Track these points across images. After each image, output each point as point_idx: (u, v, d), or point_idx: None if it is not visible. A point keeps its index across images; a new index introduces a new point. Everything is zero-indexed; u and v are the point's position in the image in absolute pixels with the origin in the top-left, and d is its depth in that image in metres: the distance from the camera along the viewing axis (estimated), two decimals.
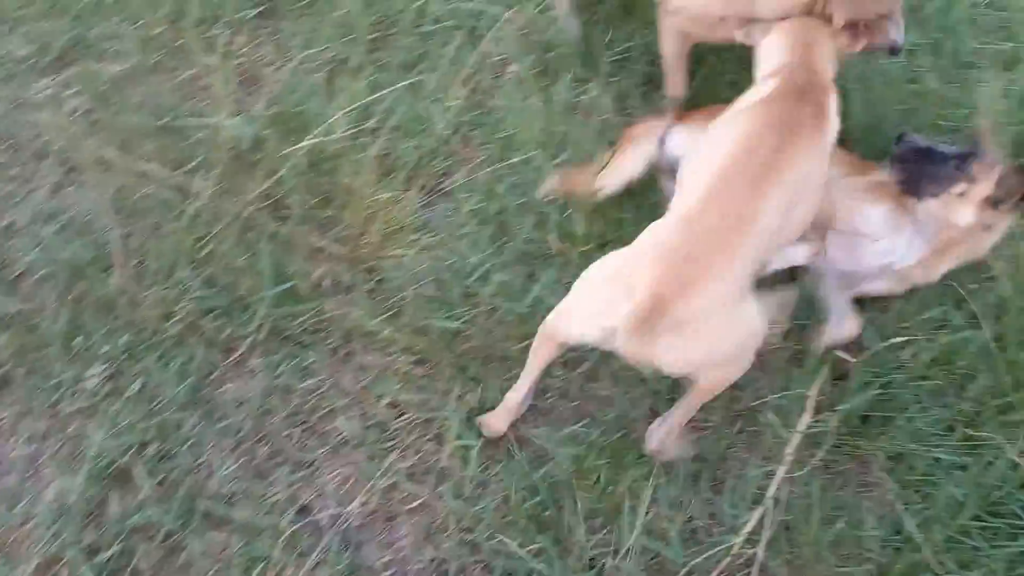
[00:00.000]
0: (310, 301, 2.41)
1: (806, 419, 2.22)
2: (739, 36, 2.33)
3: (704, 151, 2.08)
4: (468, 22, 3.01)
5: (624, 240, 2.46)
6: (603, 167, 2.46)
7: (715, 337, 1.87)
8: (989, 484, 2.12)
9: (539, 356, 2.12)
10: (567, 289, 2.43)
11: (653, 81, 2.85)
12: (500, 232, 2.56)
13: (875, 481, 2.23)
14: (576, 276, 2.43)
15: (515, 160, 2.66)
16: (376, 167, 2.63)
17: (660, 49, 2.66)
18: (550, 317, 2.04)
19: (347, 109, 2.69)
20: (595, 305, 1.90)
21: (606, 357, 2.30)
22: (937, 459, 2.20)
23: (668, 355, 1.84)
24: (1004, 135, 2.54)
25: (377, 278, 2.49)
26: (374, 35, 3.00)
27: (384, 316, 2.39)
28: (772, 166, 1.94)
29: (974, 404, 2.27)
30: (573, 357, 2.33)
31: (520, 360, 2.32)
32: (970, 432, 2.23)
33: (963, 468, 2.17)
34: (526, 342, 2.34)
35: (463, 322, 2.38)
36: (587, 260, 2.45)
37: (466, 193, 2.64)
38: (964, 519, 2.09)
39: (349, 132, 2.66)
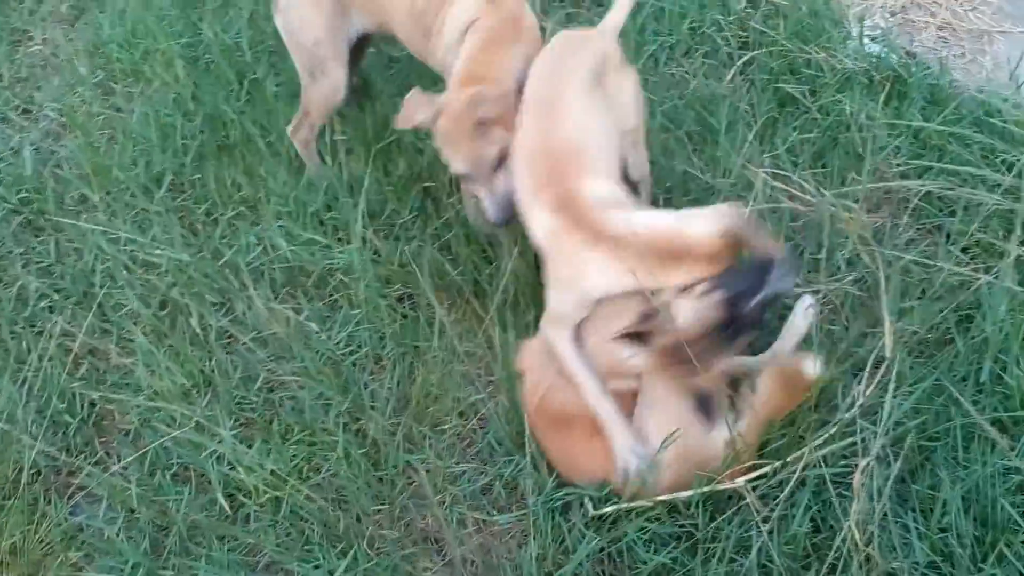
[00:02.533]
0: None
1: None
2: None
3: None
4: (78, 287, 2.72)
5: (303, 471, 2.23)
6: None
7: None
8: None
9: None
10: (243, 559, 2.17)
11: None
12: (161, 515, 2.24)
13: None
14: (259, 530, 2.19)
15: (160, 425, 2.36)
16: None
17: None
18: None
19: None
20: None
21: None
22: None
23: None
24: None
25: None
26: None
27: None
28: None
29: None
30: None
31: None
32: None
33: None
34: None
35: None
36: (270, 510, 2.23)
37: (113, 481, 2.30)
38: None
39: None
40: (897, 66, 3.23)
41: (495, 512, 2.24)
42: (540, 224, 2.14)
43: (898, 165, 2.95)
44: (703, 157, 2.98)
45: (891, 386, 2.17)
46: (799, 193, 2.90)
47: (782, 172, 2.97)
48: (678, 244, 2.02)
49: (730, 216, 2.05)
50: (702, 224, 2.04)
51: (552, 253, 2.14)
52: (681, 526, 2.18)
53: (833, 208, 2.79)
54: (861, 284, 2.67)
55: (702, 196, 2.87)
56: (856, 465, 2.06)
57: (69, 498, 2.32)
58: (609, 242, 2.03)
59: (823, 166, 2.99)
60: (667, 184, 2.89)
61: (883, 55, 3.31)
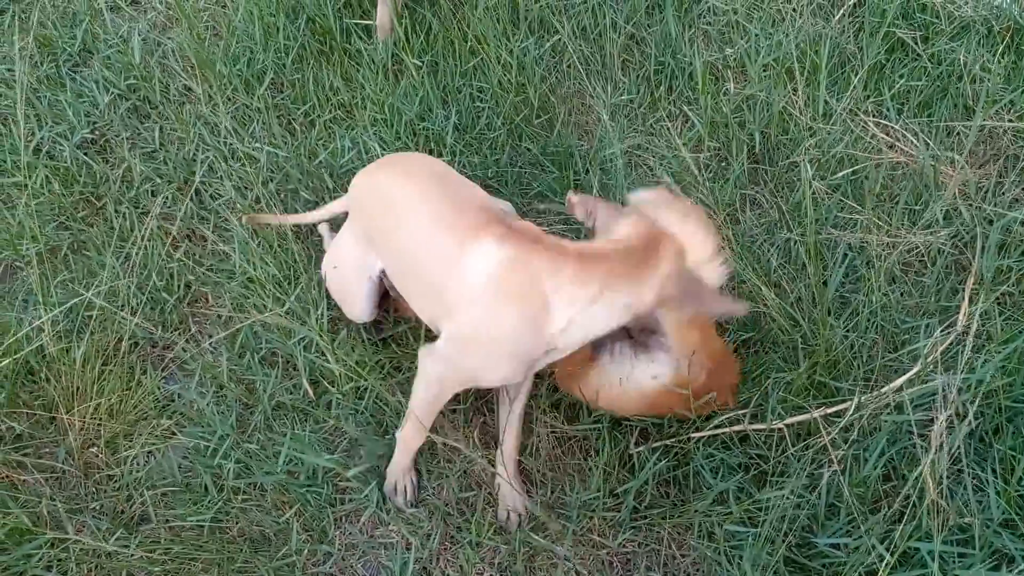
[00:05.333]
0: (40, 534, 2.12)
1: None
2: None
3: None
4: (179, 173, 2.81)
5: (386, 367, 2.31)
6: None
7: None
8: (786, 531, 2.02)
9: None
10: (323, 440, 2.27)
11: None
12: (247, 394, 2.35)
13: (676, 556, 2.11)
14: (340, 417, 2.29)
15: (251, 309, 2.46)
16: (98, 358, 2.39)
17: None
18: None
19: (58, 311, 2.42)
20: None
21: None
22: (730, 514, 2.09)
23: None
24: None
25: (116, 485, 2.23)
26: (83, 213, 2.77)
27: (128, 528, 2.13)
28: None
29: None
30: None
31: (286, 533, 2.12)
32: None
33: (759, 524, 2.06)
34: (289, 512, 2.15)
35: (217, 511, 2.14)
36: (351, 398, 2.31)
37: (204, 358, 2.41)
38: (776, 573, 1.98)
39: (57, 331, 2.40)
40: (1019, 17, 3.08)
41: (565, 423, 2.29)
42: (486, 258, 1.87)
43: (1010, 121, 2.84)
44: (804, 97, 2.90)
45: (970, 340, 2.12)
46: (901, 142, 2.83)
47: (886, 120, 2.89)
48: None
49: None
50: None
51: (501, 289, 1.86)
52: (750, 457, 2.20)
53: (935, 159, 2.72)
54: (957, 239, 2.61)
55: (800, 136, 2.81)
56: (934, 418, 2.05)
57: (163, 370, 2.44)
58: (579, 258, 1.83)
59: (929, 116, 2.89)
60: (765, 122, 2.84)
61: (1005, 5, 3.15)
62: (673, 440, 2.21)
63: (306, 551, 2.11)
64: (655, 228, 1.88)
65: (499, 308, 1.85)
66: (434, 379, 2.01)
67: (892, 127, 2.84)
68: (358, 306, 2.28)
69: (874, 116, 2.90)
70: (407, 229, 2.03)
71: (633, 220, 1.90)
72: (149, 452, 2.29)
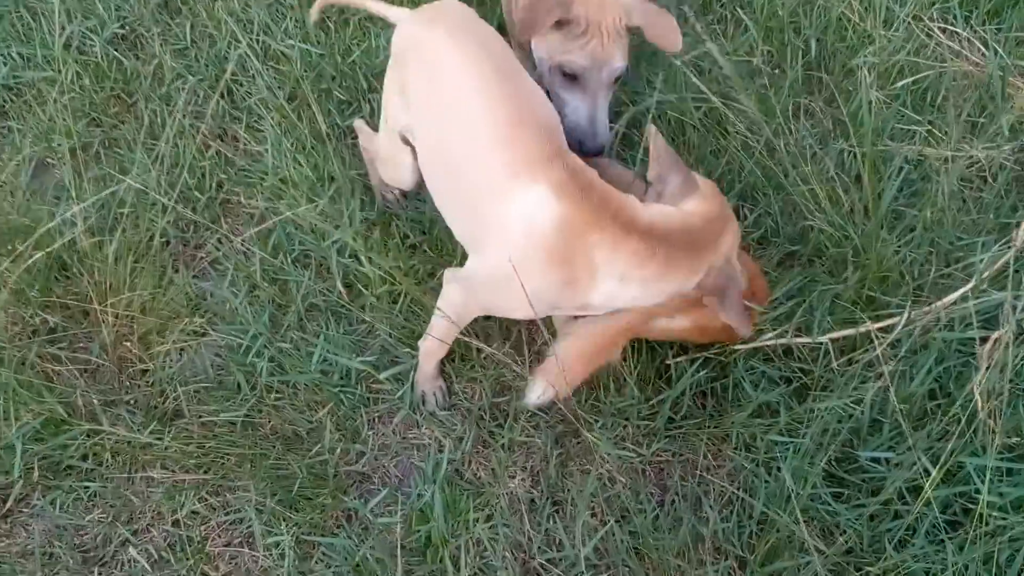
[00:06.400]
0: (76, 425, 2.13)
1: None
2: None
3: None
4: (211, 71, 2.74)
5: (420, 272, 2.25)
6: None
7: None
8: (827, 444, 1.96)
9: None
10: (356, 342, 2.24)
11: None
12: (280, 294, 2.32)
13: (712, 466, 2.07)
14: (375, 320, 2.25)
15: (285, 211, 2.41)
16: (131, 254, 2.36)
17: None
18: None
19: (90, 202, 2.38)
20: None
21: None
22: (773, 423, 2.03)
23: None
24: None
25: (149, 380, 2.23)
26: (115, 109, 2.71)
27: (161, 422, 2.13)
28: None
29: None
30: None
31: (319, 431, 2.12)
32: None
33: (800, 436, 2.00)
34: (322, 412, 2.14)
35: (250, 408, 2.14)
36: (385, 302, 2.28)
37: (237, 257, 2.38)
38: (815, 486, 1.93)
39: (89, 226, 2.37)
40: None
41: None
42: (538, 209, 1.69)
43: None
44: (863, 2, 2.74)
45: None
46: (968, 49, 2.67)
47: (951, 27, 2.73)
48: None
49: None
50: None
51: (546, 249, 1.70)
52: (792, 371, 2.14)
53: (1004, 70, 2.56)
54: (1021, 154, 2.47)
55: (858, 45, 2.67)
56: (987, 337, 1.96)
57: (194, 268, 2.42)
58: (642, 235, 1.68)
59: (999, 24, 2.72)
60: (822, 27, 2.69)
61: None
62: (713, 352, 2.15)
63: (339, 450, 2.10)
64: (723, 210, 1.79)
65: (538, 265, 1.70)
66: (458, 303, 1.95)
67: (959, 33, 2.68)
68: (401, 170, 2.13)
69: (939, 23, 2.73)
70: (454, 125, 1.83)
71: (704, 197, 1.78)
72: (181, 349, 2.28)
